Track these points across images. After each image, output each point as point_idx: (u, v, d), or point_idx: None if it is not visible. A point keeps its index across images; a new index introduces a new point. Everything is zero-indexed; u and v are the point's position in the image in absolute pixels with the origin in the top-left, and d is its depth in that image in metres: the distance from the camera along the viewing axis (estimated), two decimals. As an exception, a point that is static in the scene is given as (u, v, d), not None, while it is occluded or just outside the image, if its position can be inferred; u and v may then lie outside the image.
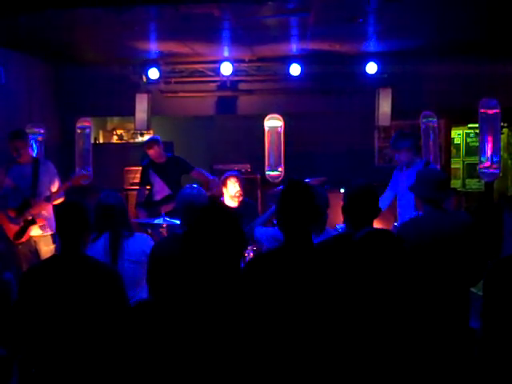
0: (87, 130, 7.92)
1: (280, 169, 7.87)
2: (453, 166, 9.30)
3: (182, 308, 2.02)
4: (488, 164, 6.87)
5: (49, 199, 5.65)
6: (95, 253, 3.30)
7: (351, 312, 2.51)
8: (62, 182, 5.80)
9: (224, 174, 5.73)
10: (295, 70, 7.78)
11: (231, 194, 5.51)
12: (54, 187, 5.73)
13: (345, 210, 3.13)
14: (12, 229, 5.58)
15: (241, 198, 5.60)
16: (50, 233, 5.70)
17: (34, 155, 6.96)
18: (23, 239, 5.60)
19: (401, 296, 2.89)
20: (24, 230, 5.58)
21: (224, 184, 5.59)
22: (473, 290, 3.95)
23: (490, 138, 6.86)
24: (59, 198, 5.74)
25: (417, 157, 5.21)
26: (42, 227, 5.65)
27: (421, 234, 3.40)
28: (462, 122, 9.25)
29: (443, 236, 3.37)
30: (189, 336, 1.98)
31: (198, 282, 2.05)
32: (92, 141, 8.24)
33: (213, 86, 8.41)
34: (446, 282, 3.33)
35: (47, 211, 5.69)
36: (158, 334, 2.00)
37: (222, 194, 5.77)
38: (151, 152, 6.42)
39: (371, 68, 7.75)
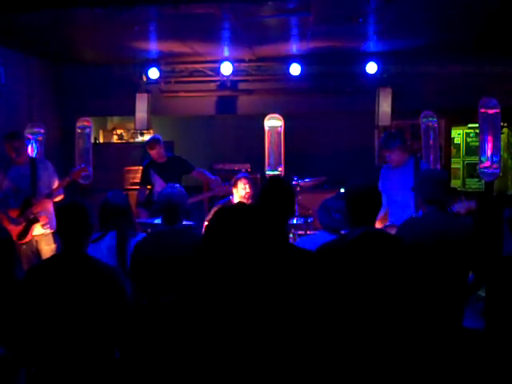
0: (87, 130, 7.91)
1: (280, 169, 7.87)
2: (453, 166, 9.30)
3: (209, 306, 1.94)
4: (488, 164, 6.86)
5: (50, 196, 5.67)
6: (99, 252, 3.29)
7: (341, 311, 2.51)
8: (61, 178, 5.81)
9: (236, 176, 5.68)
10: (295, 69, 7.79)
11: (241, 194, 5.49)
12: (54, 184, 5.75)
13: (348, 211, 3.09)
14: (14, 229, 5.57)
15: (250, 201, 5.53)
16: (51, 231, 5.70)
17: (34, 155, 6.97)
18: (26, 239, 5.60)
19: (395, 295, 2.88)
20: (27, 229, 5.58)
21: (234, 185, 5.55)
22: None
23: (490, 138, 6.85)
24: (59, 194, 5.77)
25: (405, 155, 5.22)
26: (43, 225, 5.66)
27: (421, 234, 3.38)
28: (462, 122, 9.25)
29: (444, 238, 3.35)
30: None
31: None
32: (92, 141, 8.23)
33: (213, 85, 8.41)
34: (443, 284, 3.32)
35: (48, 209, 5.70)
36: (175, 333, 1.94)
37: (222, 194, 5.74)
38: (153, 152, 6.41)
39: (371, 68, 7.76)
